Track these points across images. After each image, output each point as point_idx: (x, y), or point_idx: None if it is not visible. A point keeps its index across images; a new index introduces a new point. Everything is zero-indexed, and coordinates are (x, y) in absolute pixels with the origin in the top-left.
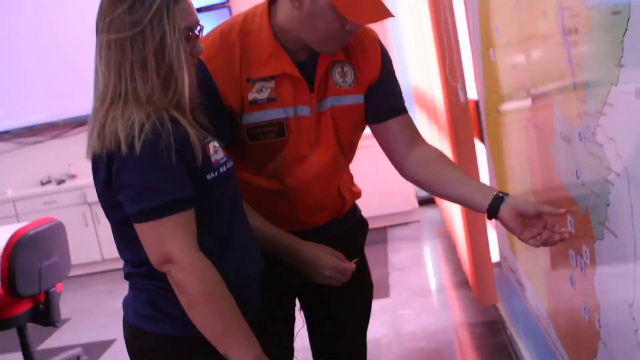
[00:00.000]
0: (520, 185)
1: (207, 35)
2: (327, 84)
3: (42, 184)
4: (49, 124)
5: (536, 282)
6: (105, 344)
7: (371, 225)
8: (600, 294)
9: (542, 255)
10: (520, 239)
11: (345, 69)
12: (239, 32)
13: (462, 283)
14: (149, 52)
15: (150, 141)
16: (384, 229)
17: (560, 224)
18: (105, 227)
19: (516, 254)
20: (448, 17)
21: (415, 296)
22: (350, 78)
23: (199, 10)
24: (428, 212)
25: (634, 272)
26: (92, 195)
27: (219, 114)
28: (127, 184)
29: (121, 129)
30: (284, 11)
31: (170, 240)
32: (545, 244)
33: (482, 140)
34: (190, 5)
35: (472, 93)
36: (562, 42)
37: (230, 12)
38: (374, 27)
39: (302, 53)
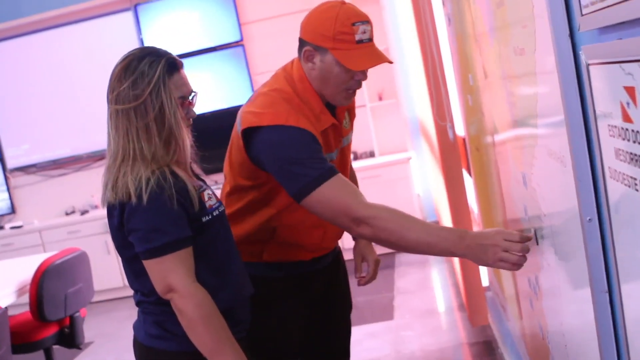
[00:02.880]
0: (499, 216)
1: (274, 104)
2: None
3: (67, 214)
4: (73, 157)
5: (511, 304)
6: None
7: (379, 251)
8: (547, 314)
9: (513, 280)
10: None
11: (345, 113)
12: (297, 97)
13: (462, 306)
14: (150, 119)
15: (155, 193)
16: (392, 255)
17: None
18: None
19: (499, 279)
20: (436, 61)
21: (417, 318)
22: (347, 119)
23: (215, 49)
24: None
25: (561, 294)
26: None
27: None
28: (136, 227)
29: (131, 183)
30: (309, 74)
31: (172, 273)
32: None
33: (470, 173)
34: (182, 78)
35: (461, 131)
36: (507, 100)
37: (245, 50)
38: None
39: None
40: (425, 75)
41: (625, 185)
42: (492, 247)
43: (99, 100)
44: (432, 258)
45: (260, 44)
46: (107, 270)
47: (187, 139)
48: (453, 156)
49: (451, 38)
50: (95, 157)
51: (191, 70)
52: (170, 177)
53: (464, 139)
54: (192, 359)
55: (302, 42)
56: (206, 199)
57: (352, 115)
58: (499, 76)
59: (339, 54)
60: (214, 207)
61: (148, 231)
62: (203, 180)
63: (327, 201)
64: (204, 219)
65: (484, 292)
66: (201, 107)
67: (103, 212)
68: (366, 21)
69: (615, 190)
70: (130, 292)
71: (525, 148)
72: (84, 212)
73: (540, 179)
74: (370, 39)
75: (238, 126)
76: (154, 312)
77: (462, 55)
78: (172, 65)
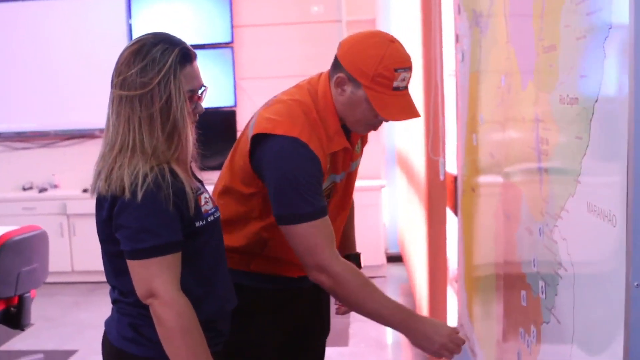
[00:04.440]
0: (485, 258)
1: (291, 115)
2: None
3: (24, 189)
4: (40, 133)
5: (488, 351)
6: (67, 354)
7: None
8: None
9: (496, 328)
10: None
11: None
12: (316, 113)
13: None
14: (155, 109)
15: (151, 191)
16: None
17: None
18: (80, 239)
19: (473, 323)
20: (439, 95)
21: (372, 348)
22: (359, 144)
23: (203, 47)
24: (395, 269)
25: (570, 355)
26: (72, 207)
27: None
28: (125, 225)
29: (127, 177)
30: (334, 94)
31: (156, 278)
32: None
33: (455, 212)
34: (194, 70)
35: (452, 167)
36: (535, 147)
37: (233, 52)
38: None
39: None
40: (424, 107)
41: None
42: (438, 343)
43: (77, 80)
44: (389, 289)
45: (250, 49)
46: (58, 253)
47: (190, 136)
48: (440, 192)
49: (462, 74)
50: (63, 136)
51: None
52: (169, 176)
53: (454, 177)
54: None
55: (338, 65)
56: (202, 202)
57: (364, 141)
58: (529, 120)
59: (372, 95)
60: (209, 212)
61: (138, 231)
62: (201, 182)
63: (304, 238)
64: (197, 224)
65: None
66: None
67: (63, 192)
68: (408, 68)
69: None
70: (79, 278)
71: (552, 198)
72: (42, 190)
73: (570, 233)
74: (406, 87)
75: (250, 129)
76: (131, 313)
77: (473, 93)
78: (185, 55)
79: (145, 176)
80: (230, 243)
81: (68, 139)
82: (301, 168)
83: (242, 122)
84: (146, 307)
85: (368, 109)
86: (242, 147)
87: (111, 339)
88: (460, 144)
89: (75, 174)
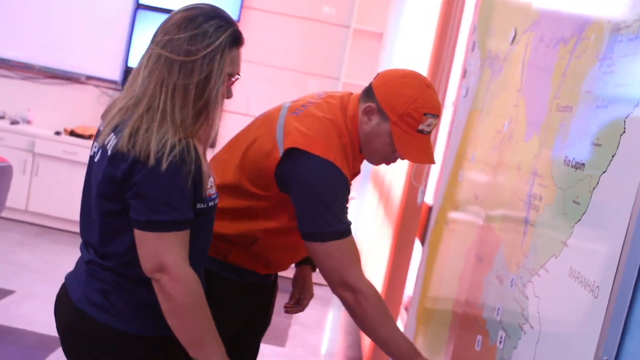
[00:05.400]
0: (444, 293)
1: (327, 136)
2: None
3: None
4: (24, 64)
5: None
6: (4, 293)
7: (291, 276)
8: None
9: (444, 358)
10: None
11: None
12: (347, 136)
13: (354, 358)
14: (192, 81)
15: (176, 164)
16: None
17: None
18: (40, 180)
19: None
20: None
21: (308, 354)
22: None
23: None
24: None
25: None
26: (41, 146)
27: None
28: (146, 194)
29: (154, 143)
30: (360, 120)
31: (169, 253)
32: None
33: (422, 241)
34: (239, 55)
35: (429, 197)
36: (525, 200)
37: None
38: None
39: None
40: None
41: None
42: None
43: (74, 21)
44: (336, 300)
45: (253, 33)
46: (16, 190)
47: (217, 119)
48: (413, 219)
49: (462, 109)
50: (47, 73)
51: None
52: (194, 152)
53: (429, 207)
54: (131, 340)
55: (371, 94)
56: (209, 186)
57: None
58: (525, 171)
59: (397, 131)
60: (212, 196)
61: (158, 202)
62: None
63: (332, 255)
64: (198, 206)
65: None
66: None
67: (34, 130)
68: (437, 115)
69: None
70: (30, 219)
71: (533, 254)
72: (14, 122)
73: (545, 292)
74: (430, 132)
75: (279, 134)
76: (104, 279)
77: (469, 130)
78: (236, 38)
79: (173, 147)
80: (219, 229)
81: (51, 77)
82: (336, 191)
83: None
84: (123, 276)
85: (388, 144)
86: (265, 148)
87: (74, 299)
88: (442, 176)
89: (51, 115)
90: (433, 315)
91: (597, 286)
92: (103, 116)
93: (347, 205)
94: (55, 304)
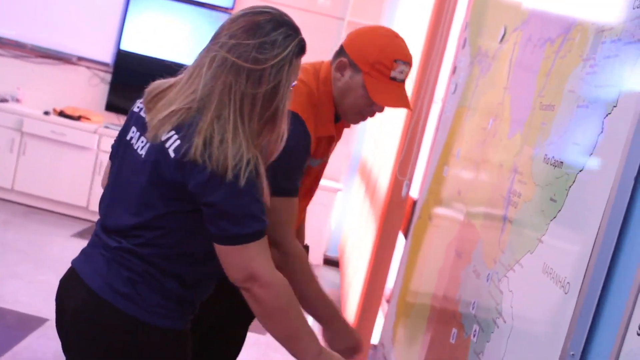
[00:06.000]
0: (424, 287)
1: (296, 94)
2: None
3: None
4: (16, 42)
5: None
6: None
7: None
8: None
9: (418, 356)
10: None
11: None
12: (317, 97)
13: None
14: (260, 91)
15: (253, 178)
16: None
17: None
18: (28, 160)
19: (394, 344)
20: (421, 120)
21: None
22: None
23: (202, 4)
24: (329, 273)
25: None
26: (29, 126)
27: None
28: (227, 212)
29: (231, 157)
30: (334, 78)
31: (256, 262)
32: None
33: (405, 235)
34: (300, 64)
35: (414, 191)
36: (505, 196)
37: None
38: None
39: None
40: (405, 127)
41: None
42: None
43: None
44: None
45: None
46: (2, 168)
47: (285, 130)
48: (397, 213)
49: (449, 105)
50: (39, 53)
51: (172, 16)
52: (261, 166)
53: (414, 201)
54: (156, 333)
55: (342, 51)
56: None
57: (339, 136)
58: (507, 168)
59: (369, 80)
60: None
61: (241, 217)
62: None
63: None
64: None
65: (369, 350)
66: (165, 54)
67: (23, 109)
68: (408, 62)
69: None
70: (15, 198)
71: (509, 250)
72: (3, 100)
73: (519, 287)
74: (403, 80)
75: None
76: (134, 267)
77: (456, 126)
78: (302, 48)
79: (248, 161)
80: None
81: (43, 56)
82: (295, 142)
83: None
84: (157, 267)
85: (363, 96)
86: None
87: (95, 287)
88: (428, 171)
89: (40, 94)
90: (412, 308)
91: (568, 282)
92: (147, 103)
93: (303, 163)
94: (61, 290)
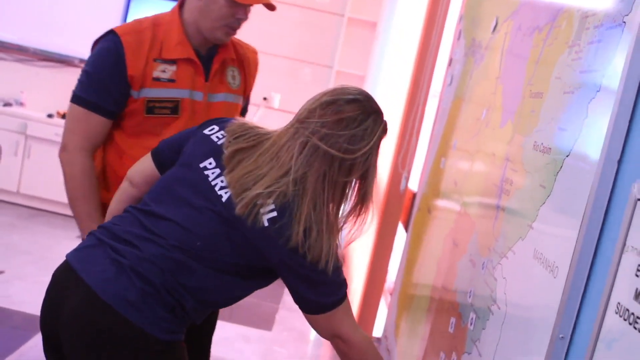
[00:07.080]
0: (424, 279)
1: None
2: (222, 82)
3: None
4: (18, 46)
5: None
6: None
7: None
8: None
9: (419, 347)
10: None
11: (235, 73)
12: (150, 22)
13: None
14: (351, 179)
15: (339, 266)
16: None
17: None
18: (32, 163)
19: (397, 337)
20: (419, 112)
21: (293, 339)
22: (237, 81)
23: None
24: None
25: None
26: (33, 129)
27: (117, 81)
28: (317, 289)
29: (325, 249)
30: (190, 7)
31: (342, 325)
32: None
33: (406, 228)
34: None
35: (413, 184)
36: (498, 185)
37: None
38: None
39: (203, 49)
40: (403, 121)
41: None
42: None
43: (68, 3)
44: None
45: (248, 20)
46: (7, 171)
47: (371, 211)
48: (396, 206)
49: (446, 98)
50: (41, 56)
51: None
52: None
53: (413, 194)
54: (148, 340)
55: None
56: None
57: (248, 78)
58: (499, 157)
59: None
60: None
61: (327, 290)
62: None
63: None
64: None
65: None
66: None
67: (27, 112)
68: None
69: (616, 326)
70: (21, 201)
71: (502, 237)
72: (6, 104)
73: (511, 274)
74: None
75: None
76: (153, 280)
77: (452, 118)
78: (385, 129)
79: (335, 250)
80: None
81: (45, 60)
82: (96, 53)
83: None
84: (179, 284)
85: (224, 5)
86: None
87: (98, 290)
88: (427, 163)
89: (44, 97)
90: (413, 301)
91: (557, 266)
92: (229, 158)
93: (108, 79)
94: (56, 284)
